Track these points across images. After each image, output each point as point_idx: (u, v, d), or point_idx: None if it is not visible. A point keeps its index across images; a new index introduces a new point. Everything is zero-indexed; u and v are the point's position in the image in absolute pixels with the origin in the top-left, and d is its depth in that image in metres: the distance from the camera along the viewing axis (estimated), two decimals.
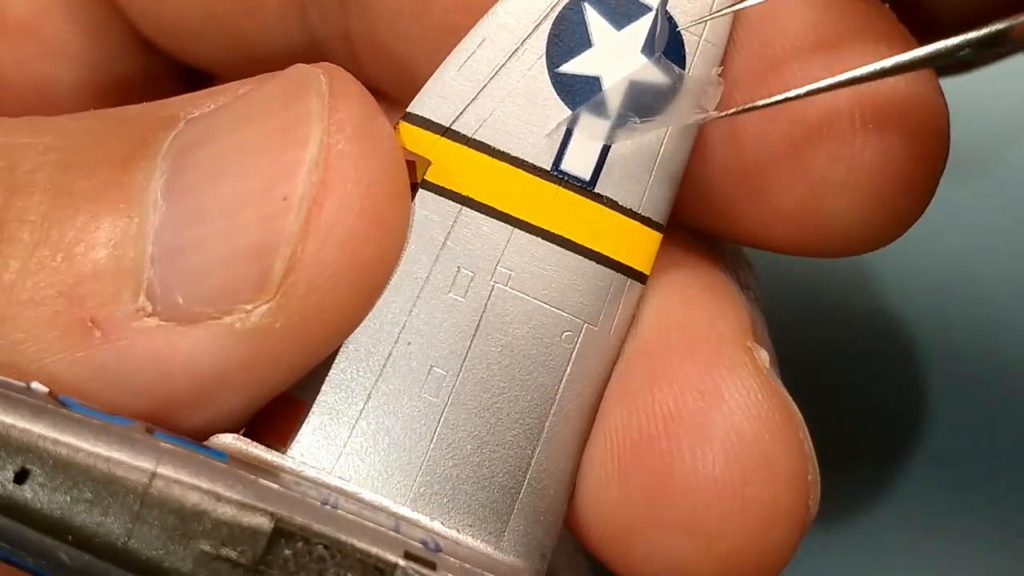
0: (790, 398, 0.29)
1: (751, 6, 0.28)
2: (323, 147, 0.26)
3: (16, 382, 0.25)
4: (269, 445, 0.28)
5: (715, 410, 0.28)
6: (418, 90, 0.34)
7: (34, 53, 0.36)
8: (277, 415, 0.28)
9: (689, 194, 0.30)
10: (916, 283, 0.41)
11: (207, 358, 0.26)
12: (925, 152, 0.29)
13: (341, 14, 0.35)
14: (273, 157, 0.26)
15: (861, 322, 0.42)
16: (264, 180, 0.26)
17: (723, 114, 0.28)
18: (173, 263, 0.26)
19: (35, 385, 0.25)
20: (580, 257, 0.29)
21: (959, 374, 0.41)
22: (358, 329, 0.28)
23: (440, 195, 0.28)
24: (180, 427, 0.27)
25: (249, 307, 0.26)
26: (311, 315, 0.26)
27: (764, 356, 0.29)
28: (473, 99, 0.28)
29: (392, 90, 0.35)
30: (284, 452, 0.27)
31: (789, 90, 0.28)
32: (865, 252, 0.30)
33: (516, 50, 0.28)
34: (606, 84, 0.28)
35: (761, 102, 0.28)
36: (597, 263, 0.29)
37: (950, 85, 0.29)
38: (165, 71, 0.38)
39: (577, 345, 0.29)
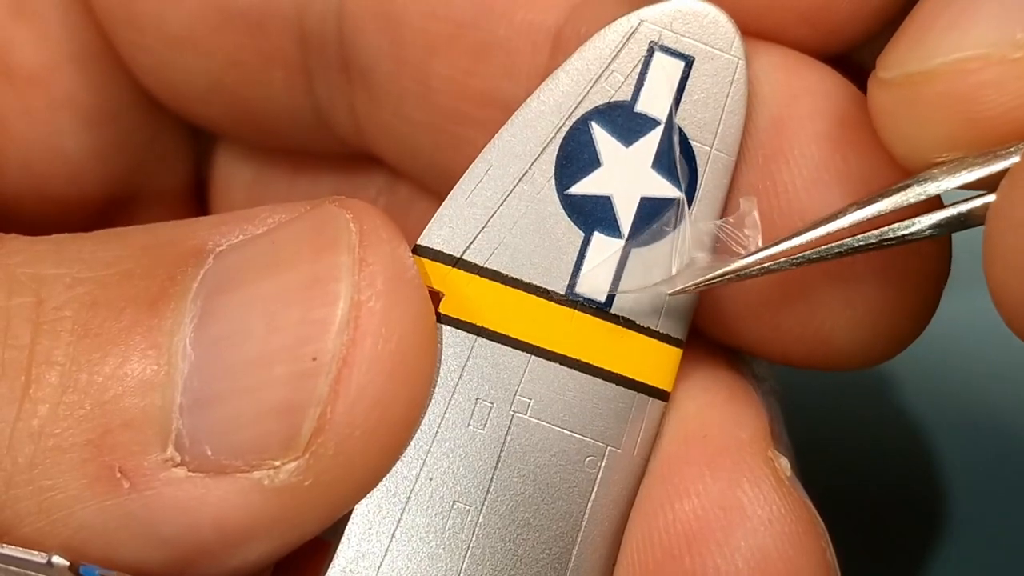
0: (812, 507, 0.29)
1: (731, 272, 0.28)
2: (353, 305, 0.26)
3: (37, 557, 0.25)
4: None
5: (738, 527, 0.28)
6: (420, 166, 0.33)
7: (42, 105, 0.36)
8: (304, 557, 0.28)
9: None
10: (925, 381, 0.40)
11: (235, 511, 0.26)
12: (926, 271, 0.29)
13: (347, 89, 0.34)
14: (302, 313, 0.26)
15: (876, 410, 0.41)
16: (293, 338, 0.26)
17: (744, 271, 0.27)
18: (202, 414, 0.26)
19: (56, 559, 0.25)
20: (599, 380, 0.28)
21: (975, 470, 0.40)
22: None
23: (454, 327, 0.28)
24: (206, 574, 0.27)
25: (277, 463, 0.26)
26: (340, 473, 0.26)
27: (784, 464, 0.28)
28: (483, 227, 0.28)
29: (394, 163, 0.35)
30: None
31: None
32: (867, 367, 0.30)
33: (524, 174, 0.28)
34: (617, 203, 0.28)
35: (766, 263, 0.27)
36: (617, 385, 0.28)
37: None
38: (170, 126, 0.38)
39: (601, 469, 0.28)
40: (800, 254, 0.27)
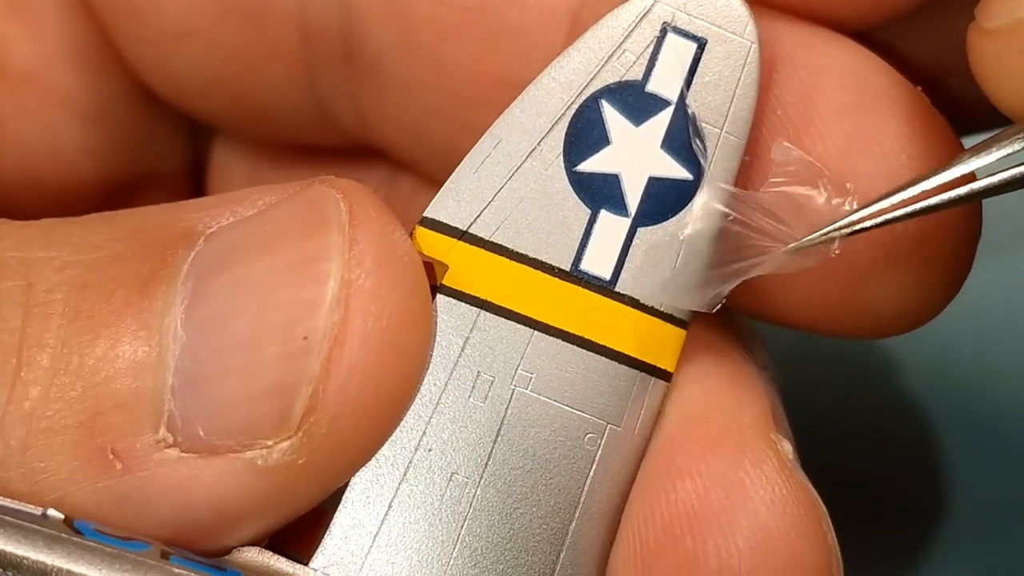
0: (813, 490, 0.29)
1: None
2: (344, 284, 0.26)
3: (32, 509, 0.26)
4: (291, 556, 0.27)
5: (740, 507, 0.28)
6: (429, 155, 0.33)
7: (36, 102, 0.36)
8: (299, 525, 0.28)
9: None
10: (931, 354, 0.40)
11: (229, 491, 0.26)
12: (961, 234, 0.29)
13: (350, 80, 0.34)
14: (293, 293, 0.26)
15: (878, 393, 0.41)
16: (284, 317, 0.26)
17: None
18: (194, 395, 0.26)
19: (51, 512, 0.26)
20: (602, 357, 0.28)
21: (981, 450, 0.40)
22: None
23: (458, 299, 0.28)
24: (202, 550, 0.27)
25: (270, 442, 0.26)
26: (333, 451, 0.26)
27: (787, 448, 0.28)
28: (490, 201, 0.28)
29: (401, 154, 0.35)
30: (307, 564, 0.27)
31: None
32: (902, 333, 0.30)
33: (533, 150, 0.28)
34: (625, 181, 0.28)
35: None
36: (619, 363, 0.28)
37: None
38: (167, 120, 0.38)
39: (601, 447, 0.28)
40: (914, 205, 0.27)
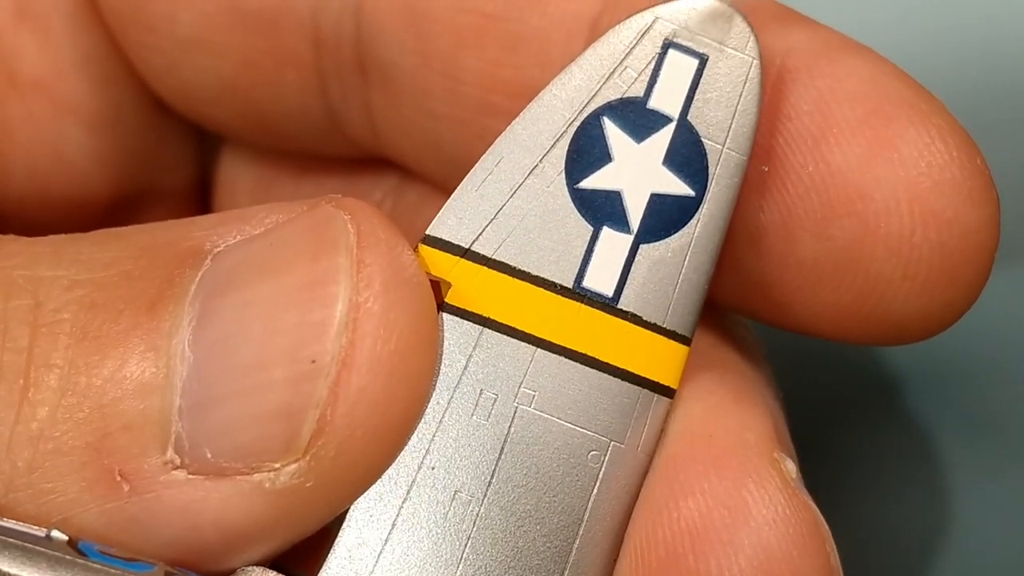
0: (816, 509, 0.29)
1: None
2: (352, 306, 0.26)
3: (36, 531, 0.26)
4: None
5: (743, 526, 0.28)
6: (442, 163, 0.33)
7: (46, 111, 0.36)
8: (303, 544, 0.28)
9: (744, 286, 0.30)
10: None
11: (236, 513, 0.26)
12: (979, 241, 0.29)
13: (363, 88, 0.34)
14: (301, 316, 0.26)
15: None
16: (292, 340, 0.26)
17: None
18: (201, 417, 0.26)
19: (55, 533, 0.26)
20: (605, 374, 0.28)
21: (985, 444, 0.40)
22: None
23: (461, 317, 0.28)
24: (207, 570, 0.27)
25: (278, 465, 0.26)
26: (341, 474, 0.27)
27: (790, 466, 0.28)
28: (492, 219, 0.28)
29: (412, 162, 0.35)
30: None
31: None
32: (920, 340, 0.30)
33: (535, 168, 0.28)
34: (627, 198, 0.28)
35: None
36: (622, 380, 0.28)
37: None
38: (175, 129, 0.38)
39: (604, 465, 0.28)
40: None
